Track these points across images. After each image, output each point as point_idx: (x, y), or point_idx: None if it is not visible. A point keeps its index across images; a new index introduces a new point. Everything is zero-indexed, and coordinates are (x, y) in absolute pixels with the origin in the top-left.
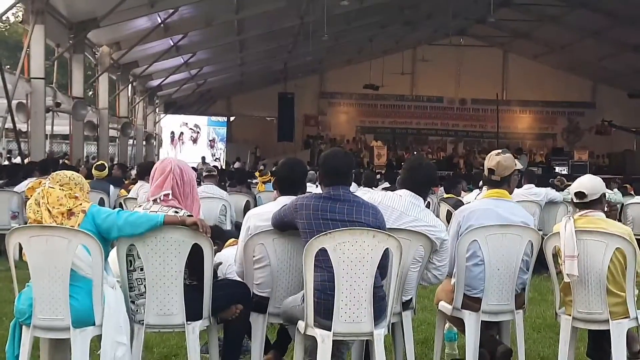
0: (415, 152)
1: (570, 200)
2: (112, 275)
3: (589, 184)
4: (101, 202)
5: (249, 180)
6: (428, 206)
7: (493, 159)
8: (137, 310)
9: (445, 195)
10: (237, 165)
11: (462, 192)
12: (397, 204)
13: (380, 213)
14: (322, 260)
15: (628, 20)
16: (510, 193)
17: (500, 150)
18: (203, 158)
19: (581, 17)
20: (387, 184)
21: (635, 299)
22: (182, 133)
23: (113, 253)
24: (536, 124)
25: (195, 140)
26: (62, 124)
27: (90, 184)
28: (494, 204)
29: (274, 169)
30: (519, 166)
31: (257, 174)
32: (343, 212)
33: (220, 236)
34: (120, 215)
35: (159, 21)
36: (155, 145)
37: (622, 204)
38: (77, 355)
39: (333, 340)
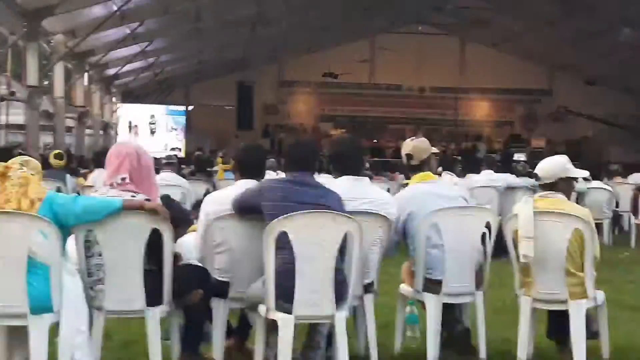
0: (375, 140)
1: (529, 186)
2: (70, 262)
3: (544, 166)
4: (58, 191)
5: (208, 169)
6: (388, 191)
7: (408, 145)
8: (95, 297)
9: (405, 182)
10: (197, 153)
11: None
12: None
13: (342, 201)
14: (283, 243)
15: (583, 8)
16: (434, 173)
17: (414, 137)
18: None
19: (538, 5)
20: None
21: (594, 279)
22: (135, 126)
23: (71, 239)
24: (494, 112)
25: (152, 132)
26: (17, 114)
27: (47, 174)
28: (426, 187)
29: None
30: (435, 150)
31: (218, 160)
32: (310, 196)
33: (185, 220)
34: (78, 202)
35: (115, 8)
36: (113, 134)
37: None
38: (35, 343)
39: (308, 330)
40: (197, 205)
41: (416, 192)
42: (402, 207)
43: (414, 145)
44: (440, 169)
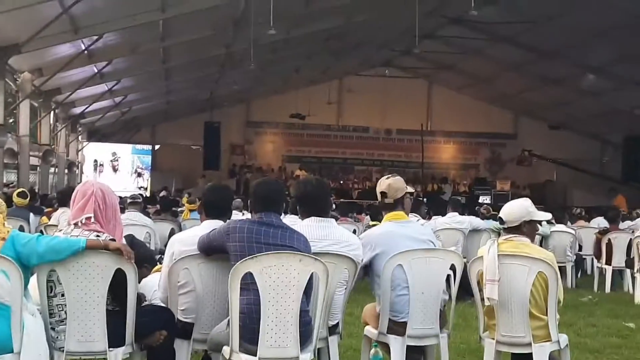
0: (342, 182)
1: (492, 229)
2: (32, 302)
3: (507, 210)
4: (21, 230)
5: (174, 209)
6: (354, 232)
7: (384, 183)
8: (57, 337)
9: (371, 223)
10: (162, 193)
11: (371, 222)
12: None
13: (309, 243)
14: (249, 284)
15: (548, 55)
16: (407, 214)
17: (389, 175)
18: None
19: (503, 51)
20: None
21: (557, 323)
22: (101, 164)
23: (33, 279)
24: (460, 154)
25: (116, 169)
26: None
27: (10, 212)
28: (397, 227)
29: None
30: (411, 189)
31: (184, 200)
32: (276, 237)
33: (149, 260)
34: (41, 241)
35: (83, 48)
36: (78, 173)
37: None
38: None
39: None
40: (163, 245)
41: (386, 232)
42: (371, 245)
43: (389, 183)
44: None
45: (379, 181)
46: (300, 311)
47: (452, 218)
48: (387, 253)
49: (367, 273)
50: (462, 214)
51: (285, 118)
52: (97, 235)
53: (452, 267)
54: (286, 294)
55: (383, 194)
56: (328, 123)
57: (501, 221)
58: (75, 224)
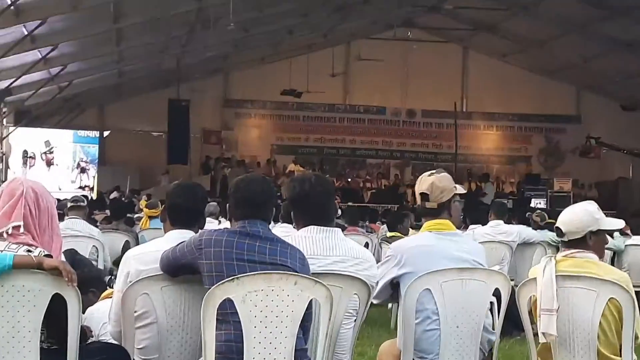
0: (349, 180)
1: (549, 242)
2: None
3: (568, 217)
4: None
5: (129, 215)
6: (366, 247)
7: (425, 181)
8: None
9: (389, 234)
10: (114, 195)
11: (410, 229)
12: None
13: (307, 260)
14: (228, 315)
15: (621, 11)
16: (455, 224)
17: (433, 171)
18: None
19: (562, 6)
20: None
21: None
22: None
23: None
24: (505, 144)
25: (52, 163)
26: None
27: None
28: (437, 240)
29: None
30: (461, 190)
31: (142, 203)
32: (264, 252)
33: (96, 283)
34: None
35: (9, 2)
36: (2, 167)
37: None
38: None
39: None
40: (115, 263)
41: (421, 245)
42: (399, 259)
43: (433, 182)
44: None
45: (420, 178)
46: (295, 350)
47: (496, 228)
48: (417, 274)
49: (394, 296)
50: (508, 222)
51: (276, 95)
52: (29, 250)
53: (496, 293)
54: (277, 328)
55: (424, 195)
56: (332, 102)
57: (560, 232)
58: (0, 235)
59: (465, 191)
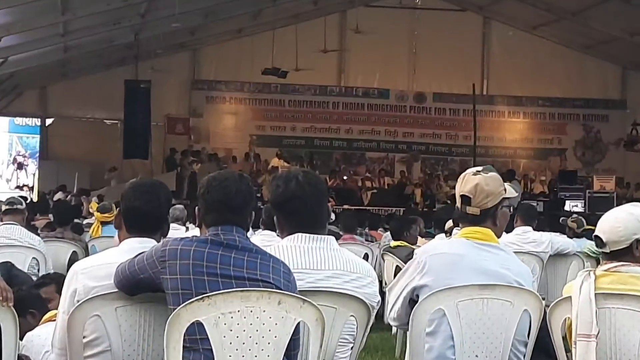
0: (345, 177)
1: (587, 253)
2: None
3: (610, 223)
4: None
5: (76, 220)
6: (366, 259)
7: (469, 181)
8: None
9: (393, 243)
10: (59, 196)
11: (419, 237)
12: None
13: (293, 275)
14: (197, 342)
15: None
16: (498, 235)
17: (480, 168)
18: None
19: None
20: None
21: None
22: None
23: None
24: (535, 134)
25: None
26: None
27: None
28: (471, 250)
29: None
30: (512, 194)
31: (92, 206)
32: (241, 265)
33: (36, 303)
34: None
35: None
36: None
37: None
38: None
39: None
40: (57, 278)
41: (452, 254)
42: (422, 266)
43: (479, 183)
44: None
45: (462, 177)
46: None
47: (523, 236)
48: (434, 288)
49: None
50: (538, 229)
51: (256, 75)
52: None
53: (525, 314)
54: (257, 358)
55: (465, 198)
56: (323, 83)
57: (600, 241)
58: None
59: (516, 194)
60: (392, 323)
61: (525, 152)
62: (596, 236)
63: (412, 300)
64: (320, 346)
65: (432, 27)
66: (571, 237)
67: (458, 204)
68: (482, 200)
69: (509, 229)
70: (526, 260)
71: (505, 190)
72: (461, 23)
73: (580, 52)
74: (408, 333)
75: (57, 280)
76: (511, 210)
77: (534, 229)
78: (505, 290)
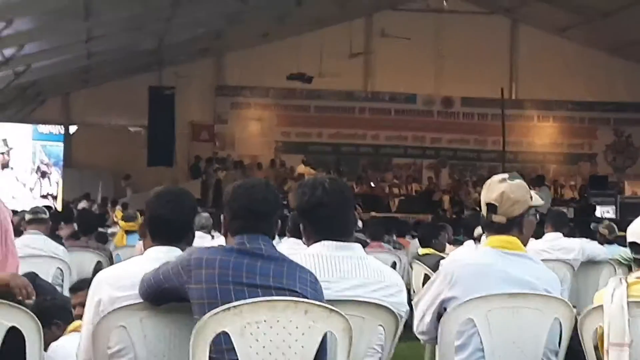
0: (372, 184)
1: (619, 260)
2: None
3: None
4: None
5: (100, 229)
6: (394, 267)
7: (495, 188)
8: None
9: (421, 251)
10: (82, 205)
11: (447, 244)
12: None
13: (320, 284)
14: (223, 352)
15: None
16: (525, 243)
17: (505, 175)
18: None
19: None
20: None
21: None
22: None
23: None
24: (564, 139)
25: (5, 165)
26: None
27: None
28: (500, 259)
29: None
30: (538, 202)
31: (117, 215)
32: (267, 274)
33: (61, 313)
34: None
35: None
36: None
37: None
38: None
39: None
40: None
41: (479, 264)
42: (450, 278)
43: (505, 191)
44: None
45: (487, 184)
46: None
47: (553, 242)
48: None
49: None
50: (569, 235)
51: (281, 81)
52: None
53: (555, 323)
54: None
55: (491, 206)
56: (350, 88)
57: (634, 247)
58: None
59: (542, 202)
60: (420, 336)
61: (555, 157)
62: (632, 242)
63: (439, 314)
64: (348, 356)
65: (459, 30)
66: (602, 244)
67: (484, 212)
68: (508, 208)
69: (539, 236)
70: (557, 267)
71: (531, 197)
72: (489, 26)
73: (610, 54)
74: (437, 344)
75: None
76: (537, 218)
77: (565, 236)
78: (536, 299)
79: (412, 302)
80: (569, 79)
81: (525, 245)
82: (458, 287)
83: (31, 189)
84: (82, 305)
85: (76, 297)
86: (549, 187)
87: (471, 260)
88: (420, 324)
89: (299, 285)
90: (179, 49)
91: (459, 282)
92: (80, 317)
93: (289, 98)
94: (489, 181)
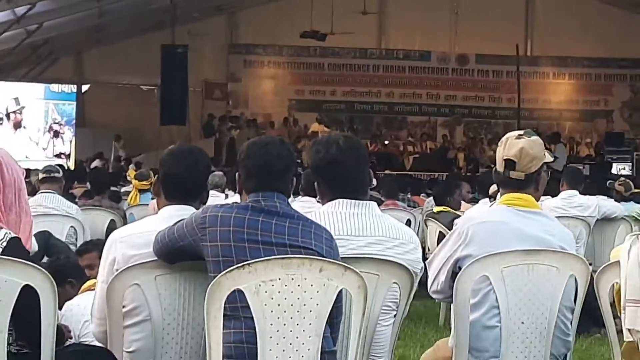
0: (387, 142)
1: (635, 217)
2: None
3: None
4: None
5: (113, 188)
6: (408, 224)
7: (513, 144)
8: None
9: (436, 209)
10: (96, 164)
11: (463, 202)
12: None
13: (335, 242)
14: (238, 310)
15: None
16: (538, 200)
17: (522, 132)
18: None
19: None
20: None
21: None
22: None
23: None
24: (580, 96)
25: (17, 124)
26: None
27: None
28: (514, 217)
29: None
30: (550, 158)
31: (130, 174)
32: (282, 232)
33: (75, 272)
34: None
35: None
36: None
37: None
38: None
39: None
40: (99, 245)
41: (494, 222)
42: (464, 236)
43: (524, 147)
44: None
45: (504, 141)
46: (321, 353)
47: (569, 200)
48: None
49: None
50: (585, 193)
51: (294, 38)
52: None
53: (571, 280)
54: (298, 326)
55: (509, 162)
56: (363, 46)
57: None
58: None
59: (552, 159)
60: (434, 296)
61: (571, 114)
62: None
63: (454, 273)
64: (363, 314)
65: None
66: (618, 201)
67: (500, 168)
68: (526, 165)
69: (554, 194)
70: (572, 224)
71: (545, 154)
72: None
73: (627, 10)
74: (452, 303)
75: (99, 246)
76: (549, 175)
77: (581, 193)
78: (551, 255)
79: (426, 262)
80: (585, 35)
81: (537, 201)
82: (472, 245)
83: (44, 148)
84: (90, 267)
85: (82, 259)
86: (565, 144)
87: (485, 218)
88: (434, 283)
89: (315, 242)
90: (192, 6)
91: (474, 241)
92: (90, 278)
93: (303, 56)
94: (505, 137)
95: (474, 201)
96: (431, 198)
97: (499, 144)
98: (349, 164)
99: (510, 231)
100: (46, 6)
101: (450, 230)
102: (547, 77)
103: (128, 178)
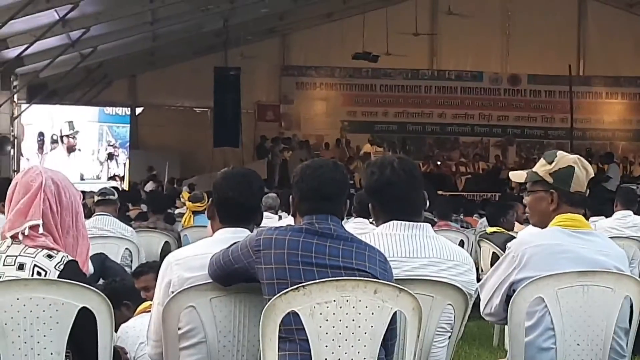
0: (439, 163)
1: None
2: None
3: None
4: None
5: (169, 211)
6: (462, 245)
7: (587, 165)
8: None
9: (489, 230)
10: (150, 186)
11: (517, 223)
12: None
13: (389, 264)
14: (293, 332)
15: None
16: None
17: (566, 152)
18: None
19: None
20: None
21: None
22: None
23: None
24: (633, 115)
25: (71, 149)
26: None
27: None
28: (568, 238)
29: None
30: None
31: (184, 196)
32: (336, 255)
33: (131, 294)
34: None
35: None
36: (13, 154)
37: None
38: None
39: None
40: (155, 267)
41: (548, 244)
42: (518, 259)
43: (586, 166)
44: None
45: (580, 163)
46: None
47: (623, 220)
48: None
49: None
50: (639, 212)
51: (346, 60)
52: (49, 255)
53: (626, 301)
54: (353, 348)
55: (591, 182)
56: (415, 67)
57: None
58: (13, 237)
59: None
60: (487, 318)
61: (624, 133)
62: None
63: (508, 297)
64: (418, 336)
65: (525, 6)
66: None
67: (582, 188)
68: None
69: (608, 214)
70: (627, 245)
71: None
72: (556, 2)
73: None
74: (507, 325)
75: (155, 268)
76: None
77: (635, 213)
78: (606, 277)
79: (478, 284)
80: (637, 54)
81: None
82: (527, 269)
83: (99, 172)
84: (146, 289)
85: (138, 281)
86: (618, 164)
87: (539, 241)
88: (487, 306)
89: (369, 265)
90: (244, 29)
91: (528, 265)
92: (145, 300)
93: (355, 77)
94: (570, 158)
95: (528, 222)
96: (484, 219)
97: (578, 165)
98: (403, 186)
99: (565, 254)
100: (100, 30)
101: (503, 251)
102: (599, 97)
103: (182, 200)
